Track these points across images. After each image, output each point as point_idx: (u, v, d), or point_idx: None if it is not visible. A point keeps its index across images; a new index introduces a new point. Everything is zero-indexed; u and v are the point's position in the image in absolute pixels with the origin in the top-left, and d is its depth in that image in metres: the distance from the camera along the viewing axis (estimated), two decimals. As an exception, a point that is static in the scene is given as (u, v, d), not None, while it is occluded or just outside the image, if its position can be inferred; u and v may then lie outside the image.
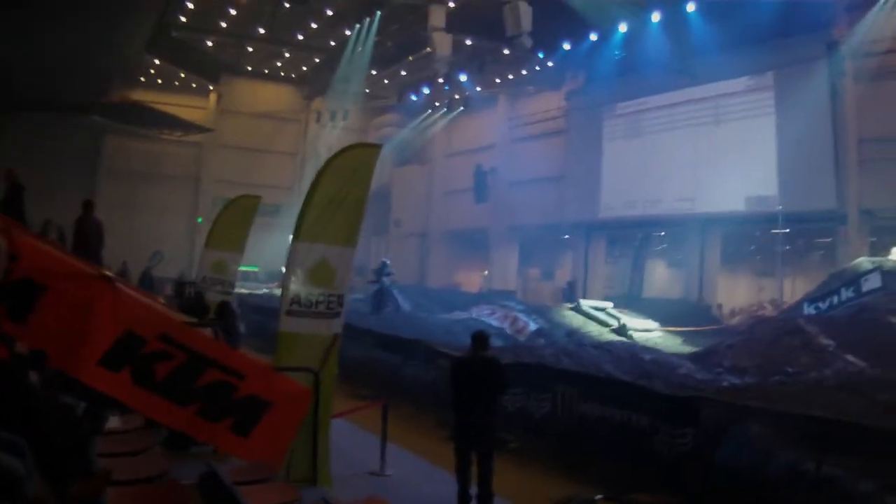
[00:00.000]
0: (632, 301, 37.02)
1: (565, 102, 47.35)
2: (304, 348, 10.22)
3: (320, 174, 10.54)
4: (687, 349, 24.53)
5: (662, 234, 44.60)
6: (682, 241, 41.48)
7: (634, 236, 44.64)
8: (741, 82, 36.52)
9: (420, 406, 16.61)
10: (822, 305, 25.32)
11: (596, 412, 13.06)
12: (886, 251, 27.76)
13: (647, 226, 42.53)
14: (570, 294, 40.64)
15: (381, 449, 11.64)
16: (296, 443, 9.15)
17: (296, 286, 10.20)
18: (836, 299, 25.13)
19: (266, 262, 46.45)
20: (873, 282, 24.27)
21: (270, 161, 58.12)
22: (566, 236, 47.48)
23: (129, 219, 49.81)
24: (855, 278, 25.06)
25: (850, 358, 17.51)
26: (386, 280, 33.45)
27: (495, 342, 18.58)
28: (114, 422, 9.09)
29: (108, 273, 7.50)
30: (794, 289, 40.33)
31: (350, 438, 12.51)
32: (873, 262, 25.44)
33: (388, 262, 34.48)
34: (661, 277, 48.58)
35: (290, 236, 10.61)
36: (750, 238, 43.96)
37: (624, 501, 8.04)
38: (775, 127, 35.08)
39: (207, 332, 9.68)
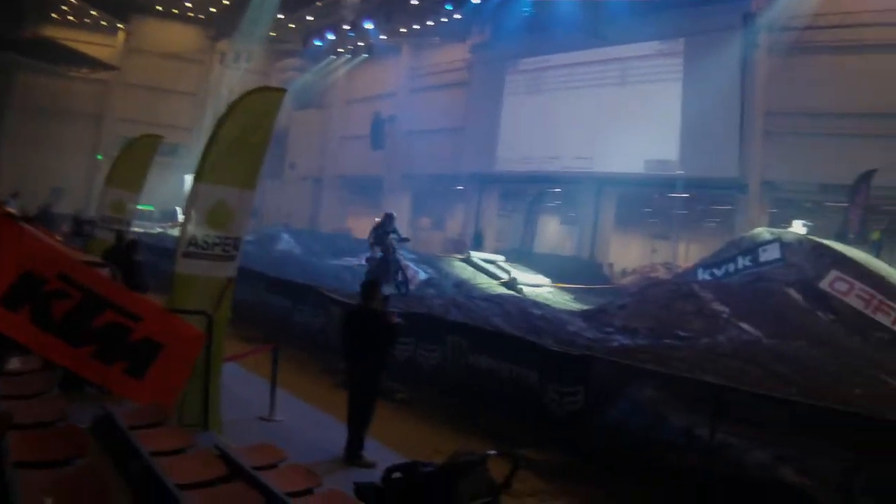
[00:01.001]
0: (523, 256, 36.89)
1: (469, 55, 47.34)
2: (200, 291, 9.89)
3: (224, 116, 10.11)
4: (577, 307, 24.67)
5: (557, 190, 44.84)
6: (576, 200, 41.93)
7: (529, 191, 44.79)
8: (651, 46, 36.76)
9: (309, 352, 16.31)
10: (718, 272, 25.47)
11: (485, 365, 12.93)
12: (787, 223, 28.13)
13: (542, 181, 42.75)
14: (477, 245, 40.43)
15: (270, 394, 11.39)
16: (187, 387, 9.04)
17: (193, 228, 9.74)
18: (732, 267, 25.33)
19: (161, 201, 45.14)
20: (772, 252, 24.52)
21: (173, 101, 57.45)
22: (460, 187, 47.63)
23: (34, 155, 49.49)
24: (753, 248, 25.25)
25: (745, 326, 17.72)
26: (394, 238, 23.66)
27: (386, 290, 18.35)
28: (13, 363, 8.78)
29: (10, 211, 7.19)
30: (688, 254, 41.14)
31: (239, 382, 12.10)
32: (773, 233, 25.56)
33: (395, 214, 25.58)
34: (553, 234, 49.18)
35: (187, 176, 10.26)
36: (647, 200, 44.53)
37: (513, 457, 7.87)
38: (682, 93, 35.48)
39: (106, 271, 9.47)
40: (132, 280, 11.64)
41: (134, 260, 13.30)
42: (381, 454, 9.47)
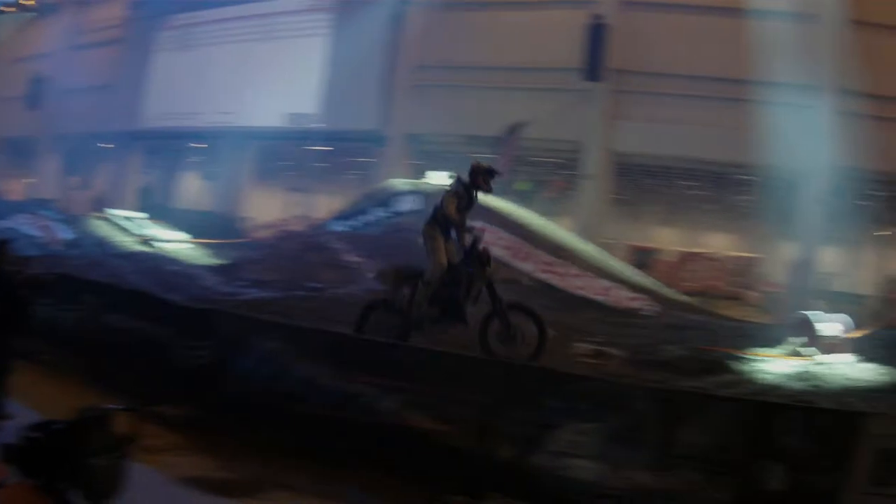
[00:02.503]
0: (165, 212, 36.45)
1: (126, 12, 45.92)
2: None
3: None
4: (214, 262, 24.74)
5: (201, 146, 44.36)
6: (218, 155, 41.69)
7: (174, 148, 44.91)
8: (299, 1, 37.13)
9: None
10: (353, 223, 25.90)
11: (120, 324, 12.83)
12: (431, 175, 29.09)
13: (185, 138, 42.88)
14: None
15: None
16: None
17: None
18: (367, 218, 25.80)
19: None
20: (408, 203, 25.14)
21: None
22: (109, 145, 46.31)
23: None
24: (389, 199, 25.93)
25: None
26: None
27: (31, 251, 17.84)
28: None
29: None
30: (331, 207, 41.91)
31: None
32: (409, 184, 26.46)
33: None
34: (195, 190, 48.83)
35: None
36: (287, 154, 44.62)
37: (146, 413, 8.03)
38: (327, 47, 36.06)
39: None
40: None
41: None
42: (23, 415, 9.33)
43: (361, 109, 34.48)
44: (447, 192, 12.31)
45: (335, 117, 34.70)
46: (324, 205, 41.44)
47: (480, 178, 12.32)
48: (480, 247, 12.02)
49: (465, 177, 12.35)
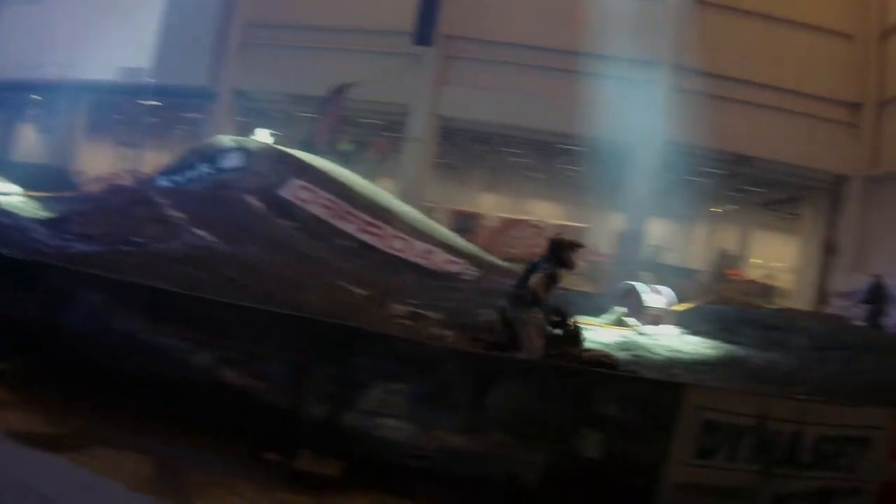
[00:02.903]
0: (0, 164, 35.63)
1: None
2: None
3: None
4: (45, 215, 24.21)
5: (38, 99, 43.43)
6: (53, 107, 40.83)
7: (11, 100, 43.76)
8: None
9: None
10: (179, 179, 25.53)
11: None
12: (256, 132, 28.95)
13: (24, 90, 41.87)
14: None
15: None
16: None
17: None
18: (192, 174, 25.42)
19: None
20: (233, 160, 24.95)
21: None
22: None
23: None
24: (214, 154, 25.59)
25: (200, 232, 17.97)
26: None
27: None
28: None
29: None
30: (158, 161, 41.38)
31: None
32: (236, 141, 26.12)
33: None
34: (31, 142, 47.73)
35: None
36: (119, 108, 44.01)
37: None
38: (163, 2, 35.33)
39: None
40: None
41: None
42: None
43: (193, 65, 34.21)
44: (539, 273, 11.77)
45: (167, 72, 34.34)
46: (153, 159, 40.95)
47: (565, 253, 12.03)
48: (570, 324, 12.22)
49: (547, 253, 12.01)
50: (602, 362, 12.02)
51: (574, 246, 12.19)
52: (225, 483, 7.92)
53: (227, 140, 26.26)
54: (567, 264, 12.02)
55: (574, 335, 12.29)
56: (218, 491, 7.78)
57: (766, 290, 40.18)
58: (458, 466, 8.83)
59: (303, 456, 8.53)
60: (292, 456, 8.54)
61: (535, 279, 11.75)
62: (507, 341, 11.98)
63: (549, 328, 12.07)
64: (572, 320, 12.40)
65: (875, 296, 24.05)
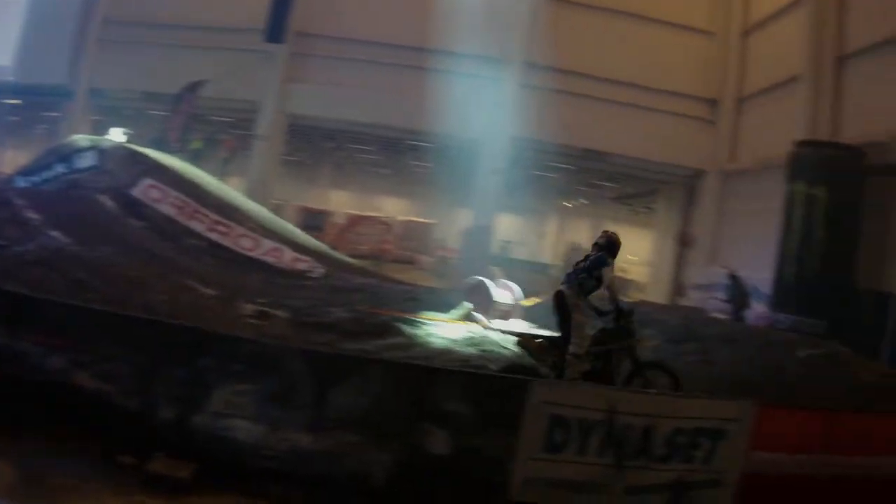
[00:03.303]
0: None
1: None
2: None
3: None
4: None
5: None
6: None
7: None
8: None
9: None
10: (36, 179, 24.72)
11: None
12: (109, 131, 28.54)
13: None
14: None
15: None
16: None
17: None
18: (49, 173, 24.67)
19: None
20: (88, 159, 24.37)
21: None
22: None
23: None
24: (70, 154, 24.91)
25: (55, 233, 17.58)
26: None
27: None
28: None
29: None
30: (18, 161, 40.45)
31: None
32: (90, 140, 25.52)
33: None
34: None
35: None
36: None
37: None
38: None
39: None
40: None
41: None
42: None
43: (53, 63, 33.51)
44: (604, 266, 12.33)
45: (27, 70, 33.58)
46: (14, 159, 39.99)
47: (618, 249, 12.68)
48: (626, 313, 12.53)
49: (604, 248, 12.62)
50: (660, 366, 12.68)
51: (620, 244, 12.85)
52: (82, 487, 8.00)
53: (82, 139, 25.60)
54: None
55: (631, 327, 12.70)
56: (75, 495, 7.86)
57: (620, 284, 40.80)
58: (308, 466, 8.97)
59: (156, 459, 8.60)
60: (146, 459, 8.61)
61: (609, 271, 12.46)
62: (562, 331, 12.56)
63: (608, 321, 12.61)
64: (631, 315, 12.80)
65: (735, 291, 24.83)
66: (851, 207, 23.19)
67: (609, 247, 12.71)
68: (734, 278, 24.96)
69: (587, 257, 12.75)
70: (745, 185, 33.44)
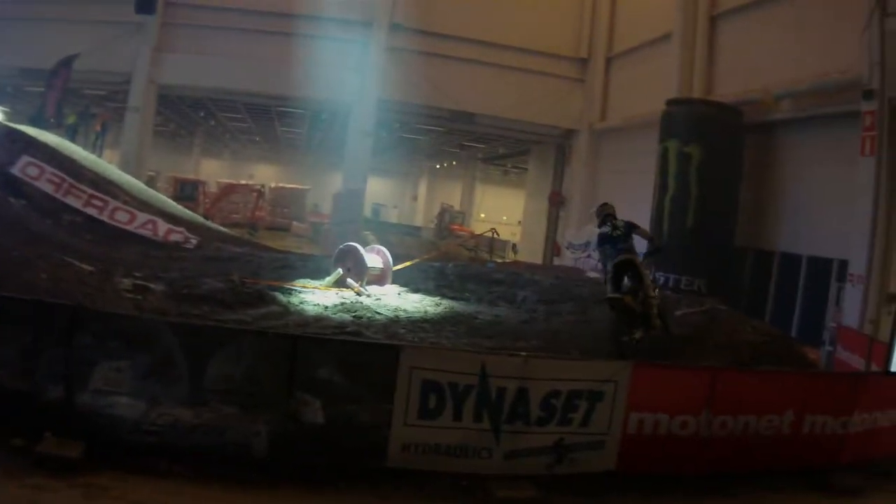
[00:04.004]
0: None
1: None
2: None
3: None
4: None
5: None
6: None
7: None
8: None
9: None
10: None
11: None
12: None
13: None
14: None
15: None
16: None
17: None
18: None
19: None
20: None
21: None
22: None
23: None
24: None
25: None
26: None
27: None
28: None
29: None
30: None
31: None
32: None
33: None
34: None
35: None
36: None
37: None
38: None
39: None
40: None
41: None
42: None
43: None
44: (637, 226, 14.63)
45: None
46: None
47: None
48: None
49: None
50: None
51: None
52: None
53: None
54: None
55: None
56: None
57: (493, 245, 41.22)
58: (188, 439, 9.08)
59: (46, 439, 8.65)
60: (35, 440, 8.65)
61: (640, 227, 14.92)
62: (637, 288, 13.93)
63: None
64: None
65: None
66: (727, 165, 23.41)
67: (614, 212, 14.88)
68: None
69: (613, 227, 14.53)
70: (618, 143, 34.19)
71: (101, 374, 9.08)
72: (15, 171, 22.38)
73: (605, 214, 14.71)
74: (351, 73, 32.99)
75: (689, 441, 10.23)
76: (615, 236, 14.23)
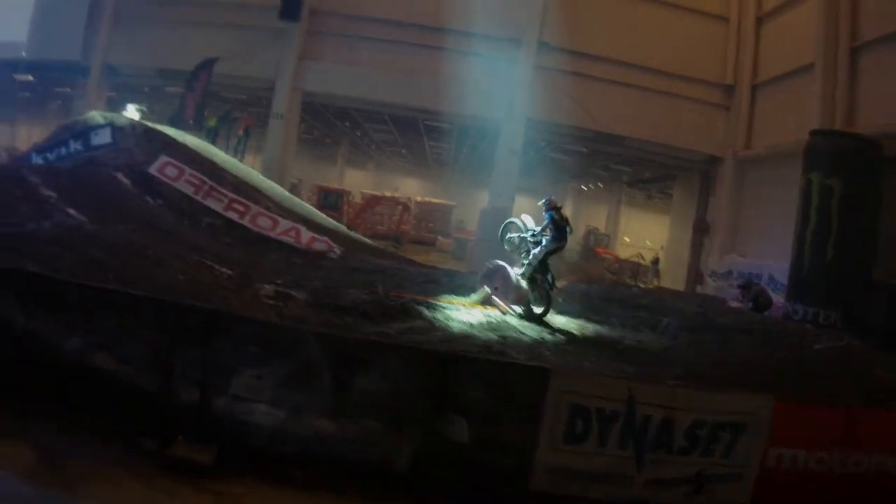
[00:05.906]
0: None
1: None
2: None
3: None
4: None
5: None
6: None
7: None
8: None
9: None
10: (51, 156, 24.44)
11: None
12: (124, 107, 28.40)
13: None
14: None
15: None
16: None
17: None
18: (64, 150, 24.43)
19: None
20: (103, 136, 24.21)
21: None
22: None
23: None
24: (85, 131, 24.65)
25: (72, 211, 17.46)
26: None
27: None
28: None
29: None
30: (31, 138, 40.34)
31: None
32: (105, 117, 25.20)
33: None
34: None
35: None
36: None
37: None
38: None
39: None
40: None
41: None
42: None
43: (67, 39, 33.35)
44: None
45: (41, 46, 33.45)
46: (27, 136, 39.92)
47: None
48: None
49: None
50: None
51: None
52: (102, 472, 7.91)
53: (97, 116, 25.28)
54: None
55: None
56: (95, 480, 7.77)
57: (637, 270, 40.39)
58: (328, 451, 8.88)
59: (177, 443, 8.51)
60: (167, 442, 8.51)
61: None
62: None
63: None
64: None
65: (755, 296, 24.31)
66: (868, 199, 22.70)
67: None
68: (751, 285, 24.65)
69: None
70: (761, 172, 32.99)
71: (242, 381, 8.97)
72: (152, 170, 22.60)
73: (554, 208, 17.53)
74: (499, 90, 32.66)
75: (824, 477, 10.00)
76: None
